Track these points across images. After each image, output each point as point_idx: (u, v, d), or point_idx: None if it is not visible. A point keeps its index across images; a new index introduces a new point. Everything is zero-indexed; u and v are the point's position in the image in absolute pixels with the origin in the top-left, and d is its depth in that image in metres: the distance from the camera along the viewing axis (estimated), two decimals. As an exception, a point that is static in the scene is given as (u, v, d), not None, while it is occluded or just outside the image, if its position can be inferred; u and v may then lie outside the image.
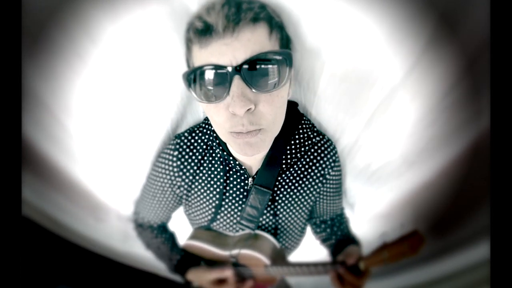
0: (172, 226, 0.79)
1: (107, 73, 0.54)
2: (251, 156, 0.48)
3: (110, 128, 0.65)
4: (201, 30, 0.41)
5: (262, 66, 0.40)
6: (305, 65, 0.54)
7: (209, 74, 0.41)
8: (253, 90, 0.41)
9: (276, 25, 0.44)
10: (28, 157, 0.67)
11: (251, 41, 0.40)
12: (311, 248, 0.80)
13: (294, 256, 0.77)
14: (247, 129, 0.44)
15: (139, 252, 0.95)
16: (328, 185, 0.65)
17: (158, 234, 0.74)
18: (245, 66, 0.40)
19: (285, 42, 0.46)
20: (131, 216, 0.79)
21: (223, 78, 0.41)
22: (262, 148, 0.47)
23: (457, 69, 0.49)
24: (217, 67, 0.41)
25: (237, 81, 0.40)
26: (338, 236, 0.71)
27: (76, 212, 0.88)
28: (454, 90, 0.52)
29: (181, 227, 0.77)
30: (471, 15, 0.42)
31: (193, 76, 0.43)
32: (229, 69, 0.40)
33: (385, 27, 0.45)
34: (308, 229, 0.77)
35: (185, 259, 0.70)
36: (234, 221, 0.64)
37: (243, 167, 0.59)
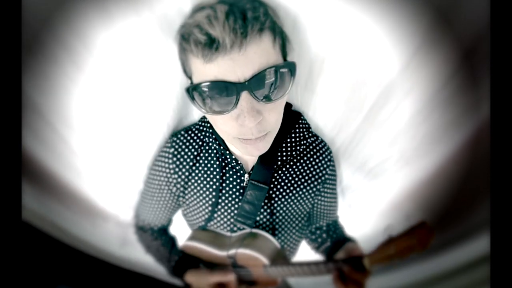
0: (173, 230, 0.76)
1: (102, 80, 0.53)
2: (256, 156, 0.47)
3: (107, 134, 0.63)
4: (204, 44, 0.37)
5: (269, 80, 0.39)
6: (303, 65, 0.51)
7: (216, 90, 0.39)
8: (261, 102, 0.40)
9: (279, 30, 0.41)
10: (26, 164, 0.65)
11: (257, 54, 0.38)
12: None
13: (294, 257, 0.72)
14: (256, 136, 0.43)
15: (137, 257, 0.92)
16: (325, 185, 0.63)
17: (158, 237, 0.71)
18: (253, 81, 0.38)
19: (285, 46, 0.44)
20: (132, 220, 0.77)
21: (231, 93, 0.39)
22: (267, 148, 0.47)
23: (454, 61, 0.47)
24: (224, 83, 0.38)
25: (245, 96, 0.39)
26: (334, 239, 0.68)
27: (73, 218, 0.85)
28: (451, 82, 0.49)
29: (182, 231, 0.73)
30: (468, 6, 0.40)
31: (198, 91, 0.40)
32: (237, 85, 0.38)
33: (381, 20, 0.43)
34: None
35: (183, 261, 0.66)
36: (231, 219, 0.61)
37: (239, 162, 0.56)
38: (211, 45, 0.36)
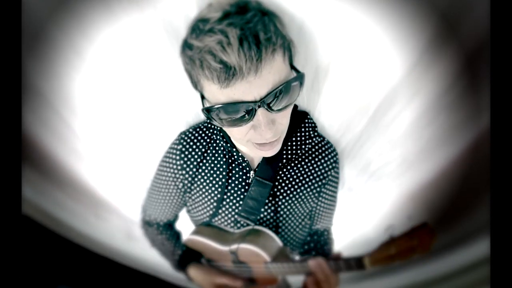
0: (179, 226, 0.76)
1: (105, 72, 0.53)
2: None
3: (113, 125, 0.63)
4: (220, 72, 0.36)
5: (283, 94, 0.40)
6: (309, 67, 0.52)
7: (233, 109, 0.40)
8: (274, 112, 0.41)
9: (287, 43, 0.41)
10: (29, 152, 0.66)
11: (271, 73, 0.38)
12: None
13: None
14: (270, 141, 0.45)
15: (141, 253, 0.92)
16: (327, 186, 0.63)
17: (163, 231, 0.71)
18: (268, 98, 0.39)
19: (292, 54, 0.44)
20: (139, 215, 0.77)
21: (248, 111, 0.40)
22: (279, 148, 0.49)
23: (456, 67, 0.47)
24: (242, 103, 0.39)
25: (261, 111, 0.40)
26: (317, 251, 0.69)
27: (77, 209, 0.85)
28: (455, 86, 0.50)
29: (187, 228, 0.73)
30: (471, 13, 0.41)
31: (215, 111, 0.41)
32: (254, 103, 0.39)
33: (387, 26, 0.44)
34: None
35: (187, 254, 0.67)
36: (236, 216, 0.61)
37: (245, 159, 0.57)
38: (227, 72, 0.36)
